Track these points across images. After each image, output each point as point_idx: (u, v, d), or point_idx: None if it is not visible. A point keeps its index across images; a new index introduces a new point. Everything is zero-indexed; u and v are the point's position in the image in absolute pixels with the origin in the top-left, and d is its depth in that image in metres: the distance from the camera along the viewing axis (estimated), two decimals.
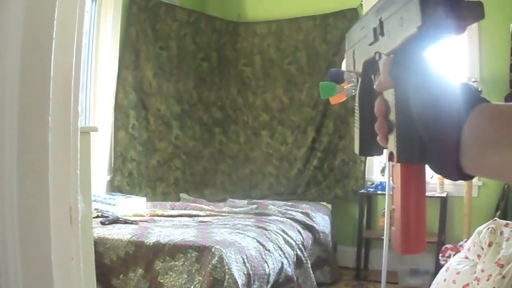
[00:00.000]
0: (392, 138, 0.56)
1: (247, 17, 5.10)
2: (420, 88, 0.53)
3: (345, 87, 3.31)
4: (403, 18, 0.51)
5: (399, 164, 0.55)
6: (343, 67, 3.42)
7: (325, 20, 4.75)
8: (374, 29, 0.59)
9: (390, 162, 0.57)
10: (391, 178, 0.60)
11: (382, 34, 0.57)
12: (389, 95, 0.57)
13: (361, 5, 4.63)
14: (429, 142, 0.53)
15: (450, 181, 4.22)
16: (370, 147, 0.67)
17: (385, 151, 0.65)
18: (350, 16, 4.65)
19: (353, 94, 3.39)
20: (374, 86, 0.60)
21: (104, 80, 4.10)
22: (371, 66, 0.64)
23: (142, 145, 4.37)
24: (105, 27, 4.08)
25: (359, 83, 0.70)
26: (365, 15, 0.64)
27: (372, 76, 0.65)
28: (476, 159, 0.50)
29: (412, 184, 0.55)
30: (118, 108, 4.18)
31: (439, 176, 4.00)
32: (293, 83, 4.87)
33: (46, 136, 0.94)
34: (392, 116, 0.56)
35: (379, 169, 4.65)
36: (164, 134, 4.53)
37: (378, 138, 0.59)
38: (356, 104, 0.70)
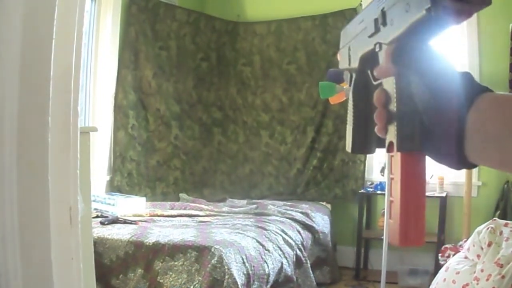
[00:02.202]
0: (392, 128, 0.56)
1: (246, 17, 5.11)
2: (424, 75, 0.53)
3: (344, 87, 3.31)
4: (409, 3, 0.50)
5: (399, 154, 0.55)
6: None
7: (325, 20, 4.75)
8: (375, 20, 0.58)
9: (389, 153, 0.57)
10: (389, 169, 0.58)
11: (384, 24, 0.56)
12: (389, 84, 0.56)
13: (360, 5, 4.63)
14: (432, 130, 0.53)
15: (450, 181, 4.24)
16: (364, 145, 0.67)
17: (377, 150, 0.64)
18: (350, 16, 4.65)
19: None
20: (375, 74, 0.59)
21: (103, 80, 4.10)
22: (368, 60, 0.63)
23: (141, 145, 4.36)
24: (104, 27, 4.08)
25: (353, 79, 0.69)
26: (364, 10, 0.63)
27: (369, 71, 0.64)
28: (480, 148, 0.50)
29: (413, 174, 0.54)
30: (118, 108, 4.18)
31: (439, 176, 3.97)
32: (293, 83, 4.87)
33: (46, 136, 0.94)
34: (392, 106, 0.56)
35: (378, 169, 4.65)
36: (163, 134, 4.53)
37: (376, 128, 0.58)
38: (350, 100, 0.69)
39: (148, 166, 4.41)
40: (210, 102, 4.96)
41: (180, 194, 4.47)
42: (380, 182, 4.38)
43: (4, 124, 0.90)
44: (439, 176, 4.22)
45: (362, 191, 4.45)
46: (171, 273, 2.71)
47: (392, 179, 0.56)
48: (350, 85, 0.71)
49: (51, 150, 0.95)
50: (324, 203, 4.54)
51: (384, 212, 3.55)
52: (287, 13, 4.90)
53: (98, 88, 4.10)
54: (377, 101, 0.58)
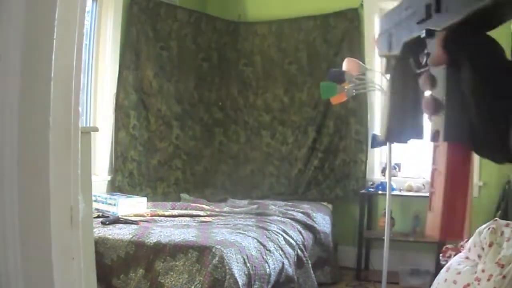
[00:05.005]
0: (439, 117, 0.54)
1: (247, 17, 5.11)
2: (477, 66, 0.51)
3: (345, 87, 3.31)
4: None
5: (444, 144, 0.53)
6: (344, 67, 3.43)
7: (326, 20, 4.75)
8: (427, 6, 0.56)
9: (434, 142, 0.55)
10: (432, 159, 0.56)
11: (438, 10, 0.54)
12: (439, 73, 0.54)
13: (361, 5, 4.63)
14: (481, 122, 0.51)
15: None
16: (399, 134, 0.65)
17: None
18: (351, 16, 4.65)
19: (354, 94, 3.39)
20: (428, 62, 0.57)
21: (104, 81, 4.10)
22: (413, 46, 0.61)
23: (142, 145, 4.37)
24: (106, 28, 4.08)
25: (392, 68, 0.67)
26: None
27: (412, 58, 0.62)
28: None
29: (458, 165, 0.52)
30: (119, 108, 4.18)
31: None
32: (294, 83, 4.87)
33: (47, 136, 0.94)
34: (440, 95, 0.54)
35: (379, 169, 4.65)
36: (164, 134, 4.53)
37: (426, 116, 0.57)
38: (388, 87, 0.67)
39: (149, 166, 4.41)
40: (211, 102, 4.96)
41: (181, 194, 4.47)
42: (381, 182, 4.38)
43: (5, 124, 0.90)
44: None
45: (363, 191, 4.44)
46: (172, 273, 2.72)
47: (434, 169, 0.55)
48: (386, 72, 0.69)
49: (52, 150, 0.95)
50: (325, 203, 4.54)
51: (385, 212, 3.54)
52: (288, 13, 4.90)
53: (99, 88, 4.10)
54: (424, 86, 0.56)
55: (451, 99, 0.53)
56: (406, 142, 0.65)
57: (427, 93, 0.57)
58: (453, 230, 0.52)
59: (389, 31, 0.67)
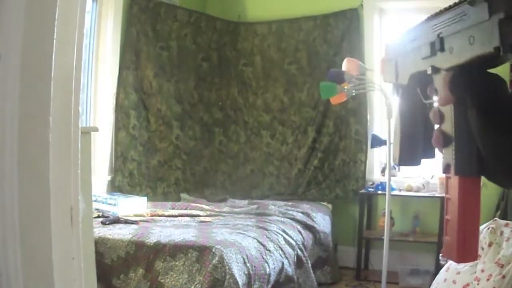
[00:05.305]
0: (449, 151, 0.58)
1: (247, 17, 5.11)
2: (481, 106, 0.54)
3: (345, 87, 3.31)
4: (474, 37, 0.51)
5: (456, 177, 0.57)
6: (344, 67, 3.43)
7: (326, 20, 4.75)
8: (432, 44, 0.59)
9: (445, 174, 0.60)
10: (445, 189, 0.62)
11: (442, 49, 0.57)
12: (447, 110, 0.58)
13: (361, 5, 4.63)
14: (488, 156, 0.55)
15: None
16: (410, 157, 0.69)
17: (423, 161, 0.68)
18: (351, 16, 4.66)
19: (353, 94, 3.39)
20: (437, 102, 0.61)
21: (104, 81, 4.10)
22: (419, 79, 0.64)
23: (142, 145, 4.37)
24: (106, 28, 4.09)
25: (400, 94, 0.71)
26: (415, 27, 0.64)
27: (418, 89, 0.66)
28: None
29: (469, 197, 0.58)
30: (119, 108, 4.19)
31: (440, 176, 3.96)
32: (294, 83, 4.87)
33: (47, 136, 0.94)
34: (449, 130, 0.58)
35: (379, 169, 4.65)
36: (164, 134, 4.54)
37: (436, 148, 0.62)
38: (397, 115, 0.71)
39: (149, 166, 4.41)
40: (211, 102, 4.96)
41: (181, 194, 4.47)
42: (381, 182, 4.38)
43: (5, 124, 0.91)
44: (440, 176, 4.22)
45: (363, 191, 4.44)
46: (172, 273, 2.72)
47: (448, 199, 0.59)
48: (397, 96, 0.73)
49: (52, 150, 0.95)
50: (325, 203, 4.54)
51: (384, 212, 3.55)
52: (288, 13, 4.90)
53: (100, 88, 4.11)
54: (434, 120, 0.61)
55: (460, 135, 0.57)
56: (419, 164, 0.70)
57: (436, 126, 0.61)
58: (468, 253, 0.58)
59: (395, 59, 0.71)
